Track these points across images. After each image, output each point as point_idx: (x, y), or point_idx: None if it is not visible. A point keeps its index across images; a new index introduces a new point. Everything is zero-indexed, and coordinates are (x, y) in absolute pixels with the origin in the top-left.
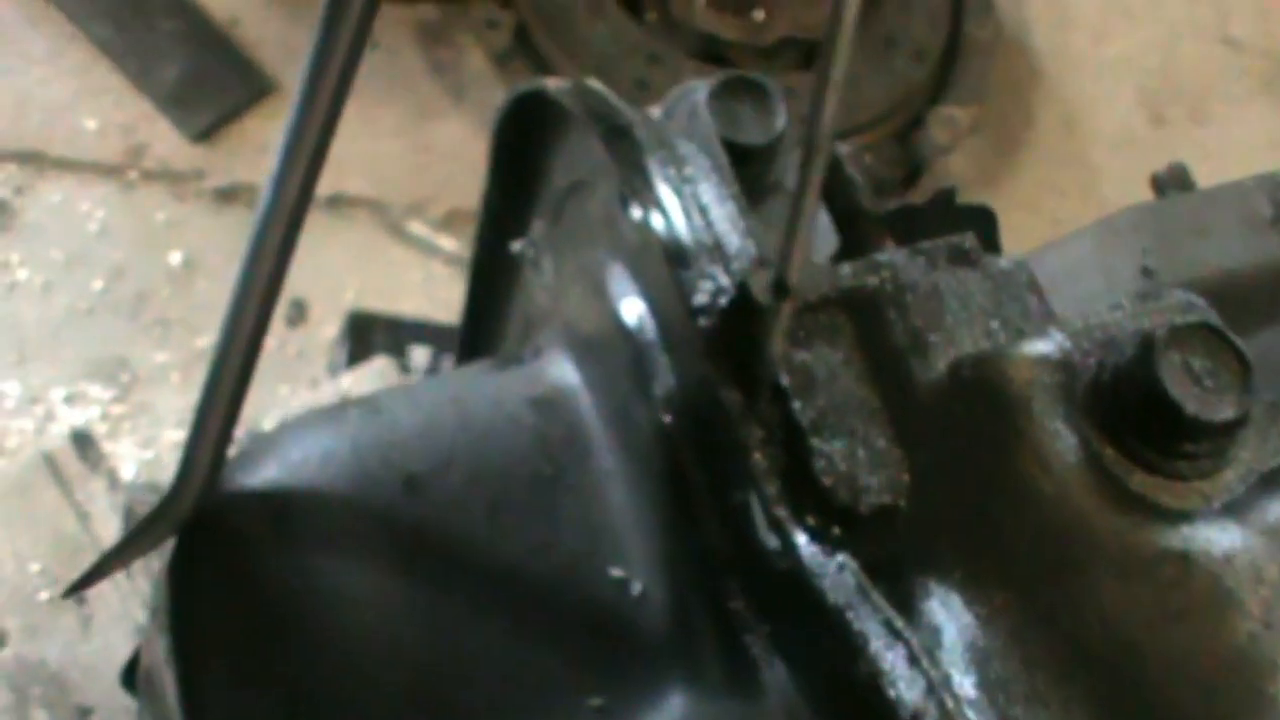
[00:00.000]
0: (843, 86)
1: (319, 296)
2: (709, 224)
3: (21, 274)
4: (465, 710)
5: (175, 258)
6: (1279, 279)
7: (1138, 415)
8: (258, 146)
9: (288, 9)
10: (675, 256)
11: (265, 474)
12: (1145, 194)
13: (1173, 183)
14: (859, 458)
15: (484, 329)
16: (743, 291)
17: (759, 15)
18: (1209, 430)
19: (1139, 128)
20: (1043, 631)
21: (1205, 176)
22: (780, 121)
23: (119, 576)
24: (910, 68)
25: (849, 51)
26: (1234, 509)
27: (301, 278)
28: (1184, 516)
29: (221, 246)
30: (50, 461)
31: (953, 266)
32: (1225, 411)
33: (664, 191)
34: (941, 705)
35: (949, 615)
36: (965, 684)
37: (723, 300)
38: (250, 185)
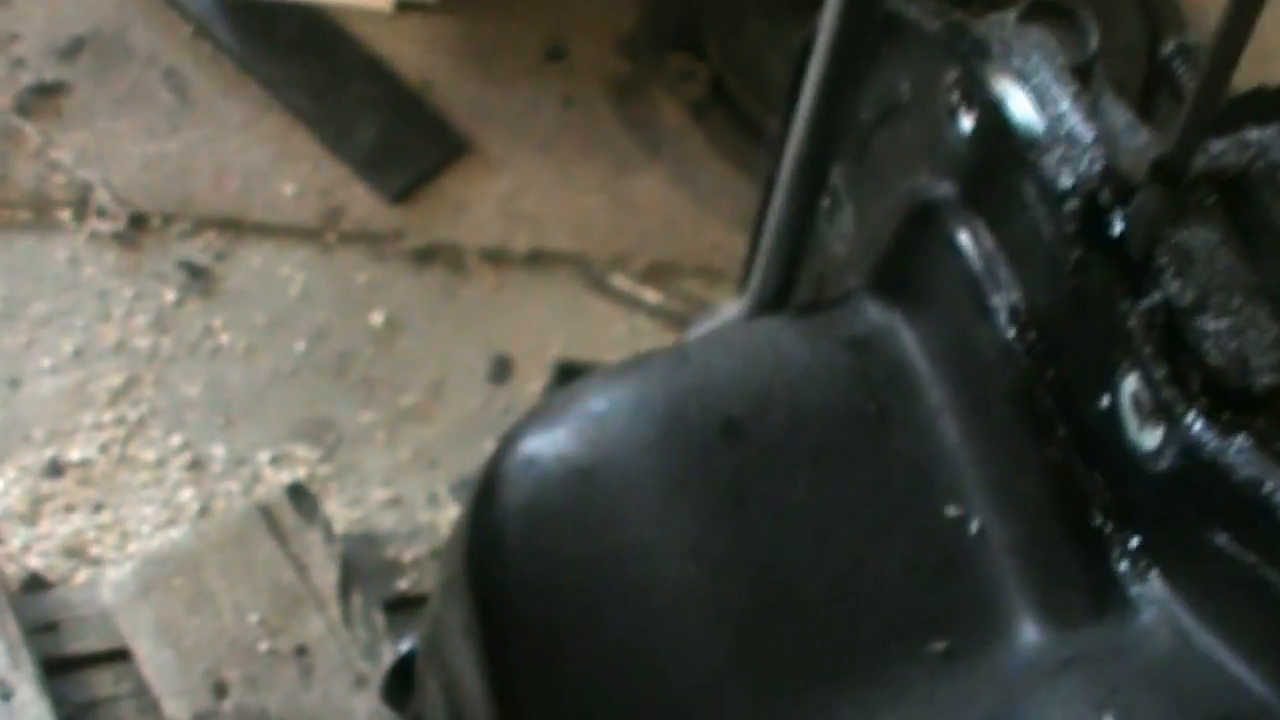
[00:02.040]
0: None
1: (523, 353)
2: (1059, 116)
3: (225, 338)
4: (796, 668)
5: (377, 318)
6: None
7: None
8: (455, 206)
9: (479, 71)
10: (1030, 145)
11: (567, 427)
12: None
13: None
14: (1248, 336)
15: (772, 286)
16: (1112, 172)
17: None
18: None
19: None
20: None
21: None
22: (1093, 42)
23: (338, 626)
24: None
25: None
26: None
27: (505, 334)
28: None
29: (422, 305)
30: (266, 513)
31: None
32: None
33: (1009, 84)
34: None
35: None
36: None
37: (1089, 183)
38: (449, 244)
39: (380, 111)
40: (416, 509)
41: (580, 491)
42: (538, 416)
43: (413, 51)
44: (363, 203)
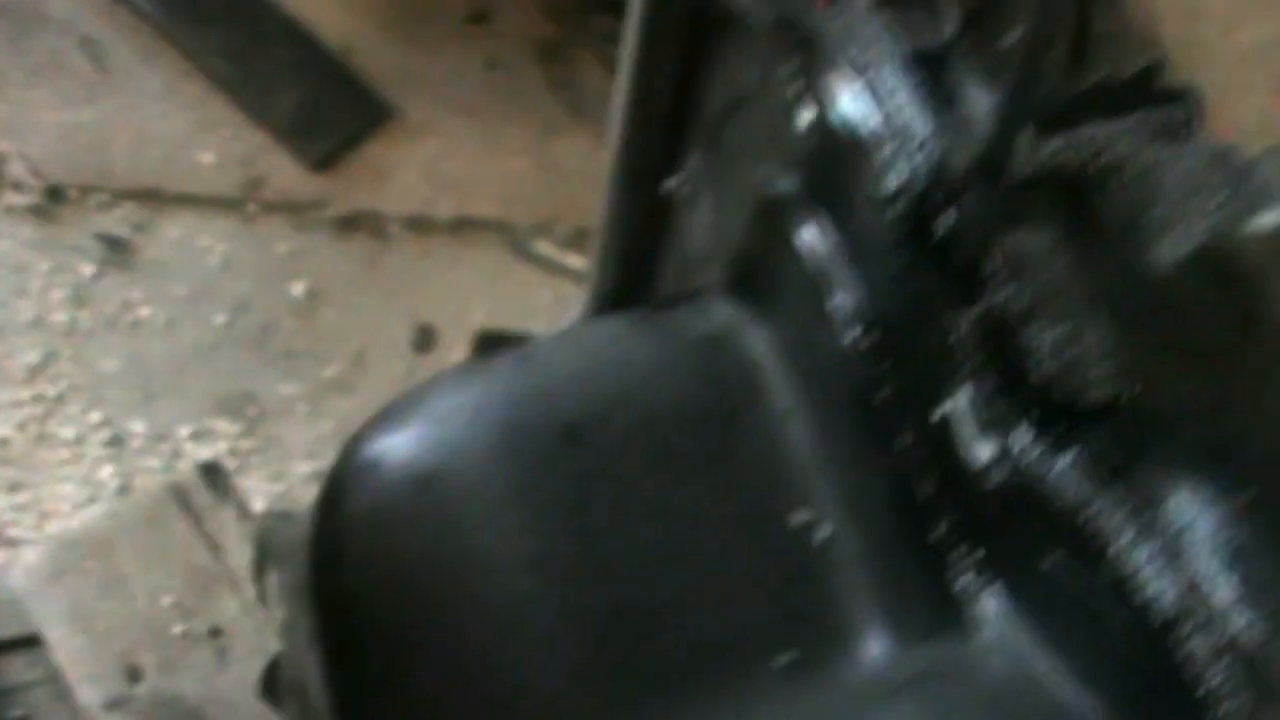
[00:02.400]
0: None
1: (446, 322)
2: (893, 110)
3: (144, 312)
4: (640, 680)
5: (299, 289)
6: None
7: None
8: (378, 173)
9: (402, 34)
10: (858, 145)
11: (409, 434)
12: None
13: None
14: (1079, 347)
15: (631, 283)
16: (939, 172)
17: None
18: None
19: (1275, 116)
20: None
21: None
22: (951, 24)
23: (253, 606)
24: None
25: None
26: None
27: (428, 303)
28: None
29: (345, 275)
30: (179, 493)
31: (1165, 139)
32: None
33: (841, 80)
34: (1200, 605)
35: (1195, 515)
36: (1223, 584)
37: (916, 185)
38: (371, 212)
39: (301, 77)
40: None
41: (421, 499)
42: (381, 420)
43: (334, 15)
44: (284, 171)
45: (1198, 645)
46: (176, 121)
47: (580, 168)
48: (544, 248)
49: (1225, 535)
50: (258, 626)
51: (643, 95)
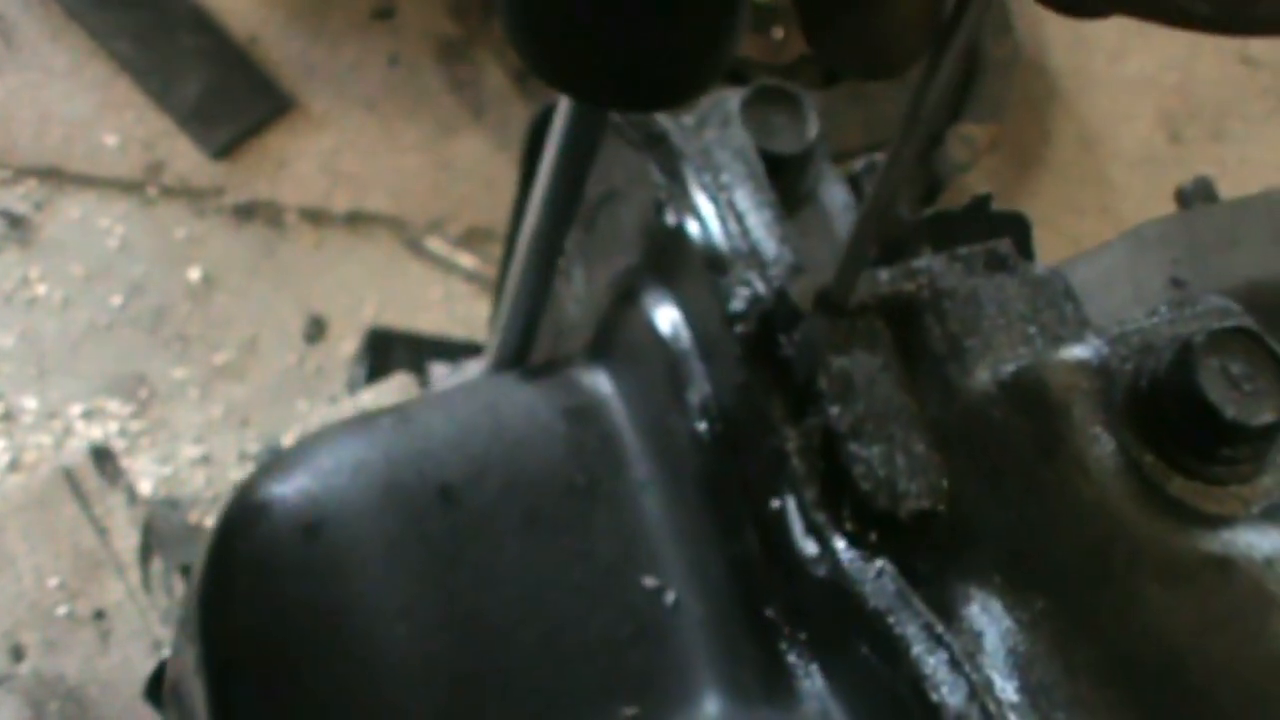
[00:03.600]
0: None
1: (338, 313)
2: (745, 230)
3: (41, 289)
4: None
5: (194, 273)
6: None
7: (1177, 420)
8: (277, 162)
9: (306, 27)
10: (711, 263)
11: (296, 483)
12: (1165, 210)
13: (1198, 196)
14: (897, 463)
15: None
16: (781, 298)
17: (778, 33)
18: (1248, 434)
19: (1158, 145)
20: (1085, 637)
21: (1225, 193)
22: (813, 130)
23: (137, 591)
24: None
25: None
26: (1273, 514)
27: (321, 294)
28: (1224, 521)
29: (241, 262)
30: (69, 476)
31: (990, 272)
32: (1264, 415)
33: (700, 198)
34: (984, 709)
35: (990, 621)
36: (1008, 688)
37: (760, 307)
38: (270, 201)
39: (206, 64)
40: (227, 467)
41: (305, 547)
42: (272, 468)
43: (241, 4)
44: (185, 156)
45: None
46: (81, 102)
47: (476, 168)
48: (436, 245)
49: (1013, 642)
50: (141, 610)
51: (563, 189)
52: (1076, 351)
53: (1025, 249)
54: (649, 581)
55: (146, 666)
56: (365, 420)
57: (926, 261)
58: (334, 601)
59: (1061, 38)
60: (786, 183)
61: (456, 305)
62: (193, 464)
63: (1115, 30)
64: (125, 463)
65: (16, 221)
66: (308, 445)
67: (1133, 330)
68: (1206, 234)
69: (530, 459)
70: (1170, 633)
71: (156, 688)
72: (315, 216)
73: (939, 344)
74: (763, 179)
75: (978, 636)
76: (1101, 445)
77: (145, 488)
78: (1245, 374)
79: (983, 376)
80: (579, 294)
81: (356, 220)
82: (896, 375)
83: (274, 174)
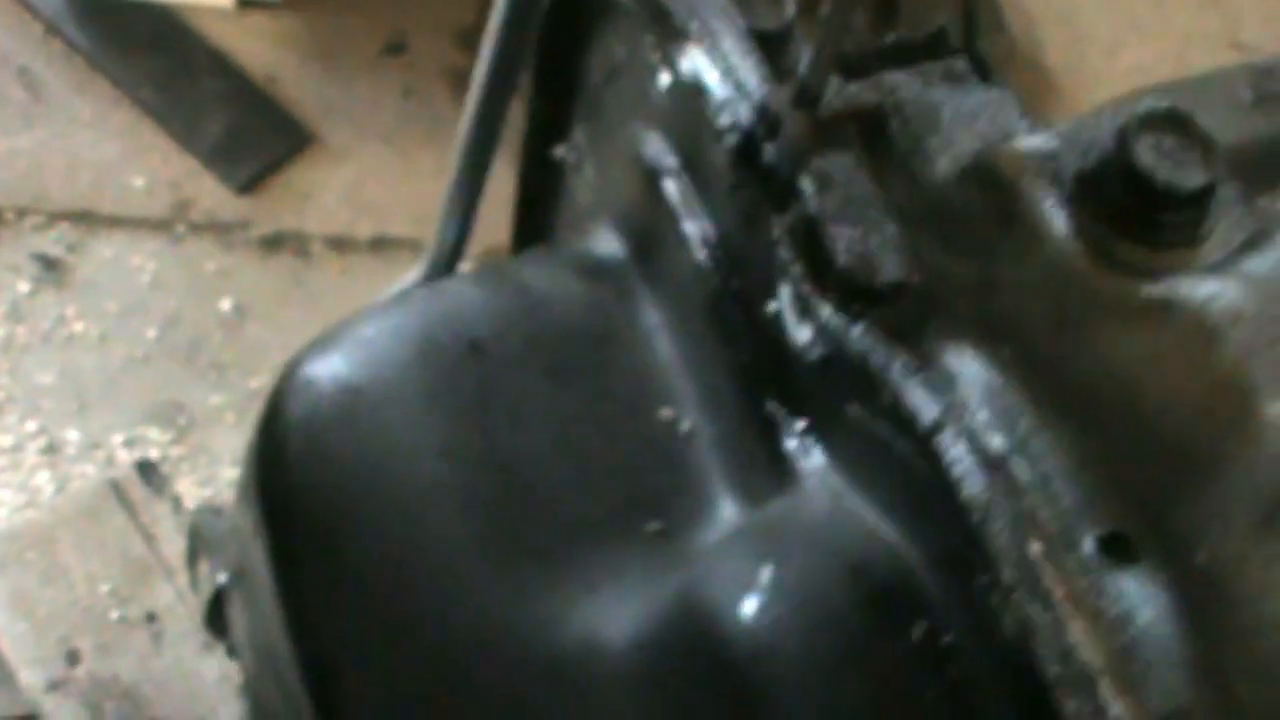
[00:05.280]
0: None
1: None
2: (731, 70)
3: (78, 327)
4: (533, 546)
5: (226, 304)
6: (1261, 153)
7: (1119, 191)
8: (301, 195)
9: (322, 65)
10: (702, 96)
11: (338, 350)
12: None
13: None
14: (872, 242)
15: (533, 232)
16: (762, 110)
17: None
18: (1180, 198)
19: None
20: (1049, 375)
21: None
22: (790, 8)
23: (186, 593)
24: None
25: None
26: (1214, 269)
27: None
28: (1168, 275)
29: (270, 292)
30: (116, 488)
31: (947, 84)
32: (1193, 180)
33: (691, 47)
34: (958, 418)
35: (963, 365)
36: (980, 411)
37: (745, 121)
38: (295, 232)
39: (227, 105)
40: None
41: (351, 404)
42: (316, 344)
43: (258, 47)
44: (211, 194)
45: (958, 453)
46: (108, 147)
47: (491, 191)
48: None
49: (985, 379)
50: (190, 612)
51: (501, 76)
52: (1029, 140)
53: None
54: (665, 413)
55: (198, 665)
56: (400, 295)
57: (891, 76)
58: (378, 448)
59: (1056, 36)
60: (771, 57)
61: None
62: (232, 485)
63: (1108, 26)
64: None
65: (51, 264)
66: (348, 320)
67: (1079, 124)
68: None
69: (551, 314)
70: (1123, 365)
71: (215, 613)
72: (340, 244)
73: (903, 142)
74: (746, 35)
75: (953, 375)
76: (1054, 216)
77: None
78: (1175, 147)
79: (943, 165)
80: (591, 183)
81: (379, 246)
82: (867, 170)
83: (298, 206)
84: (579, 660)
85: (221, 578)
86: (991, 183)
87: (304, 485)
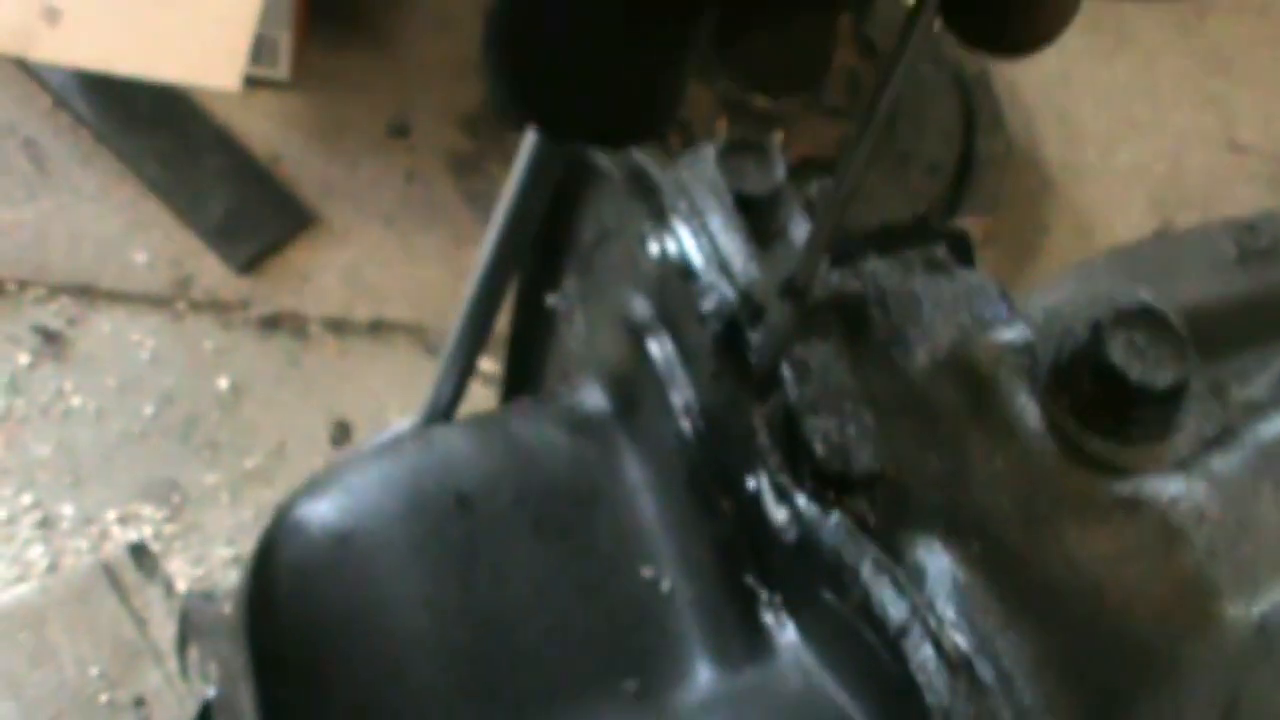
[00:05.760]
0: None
1: (363, 418)
2: (716, 249)
3: (75, 401)
4: (513, 699)
5: (223, 383)
6: (1244, 311)
7: (1091, 387)
8: (300, 276)
9: (325, 147)
10: (687, 275)
11: (329, 498)
12: None
13: None
14: (849, 432)
15: (523, 376)
16: (746, 297)
17: (778, 137)
18: (1152, 395)
19: (1151, 232)
20: (1016, 571)
21: None
22: (779, 172)
23: (175, 678)
24: (925, 182)
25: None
26: (1181, 466)
27: (345, 399)
28: (1136, 473)
29: (267, 372)
30: (108, 571)
31: (927, 273)
32: (1165, 378)
33: (678, 224)
34: (924, 621)
35: (932, 559)
36: (947, 609)
37: (730, 306)
38: (293, 313)
39: (230, 184)
40: None
41: (338, 553)
42: (306, 489)
43: (263, 126)
44: (212, 272)
45: (924, 655)
46: (111, 222)
47: None
48: None
49: (952, 575)
50: (179, 697)
51: (515, 230)
52: (1004, 333)
53: (968, 263)
54: (646, 572)
55: None
56: (391, 444)
57: (873, 264)
58: (364, 598)
59: (1053, 133)
60: (758, 221)
61: (474, 406)
62: (225, 565)
63: (1106, 124)
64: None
65: (51, 337)
66: (338, 466)
67: (1054, 316)
68: (1149, 264)
69: (539, 470)
70: (1089, 563)
71: None
72: (338, 326)
73: (882, 333)
74: (732, 210)
75: (921, 571)
76: (1026, 410)
77: (180, 588)
78: (1148, 344)
79: (921, 357)
80: (580, 334)
81: (378, 329)
82: (847, 361)
83: (297, 287)
84: None
85: (210, 691)
86: (967, 376)
87: (292, 630)
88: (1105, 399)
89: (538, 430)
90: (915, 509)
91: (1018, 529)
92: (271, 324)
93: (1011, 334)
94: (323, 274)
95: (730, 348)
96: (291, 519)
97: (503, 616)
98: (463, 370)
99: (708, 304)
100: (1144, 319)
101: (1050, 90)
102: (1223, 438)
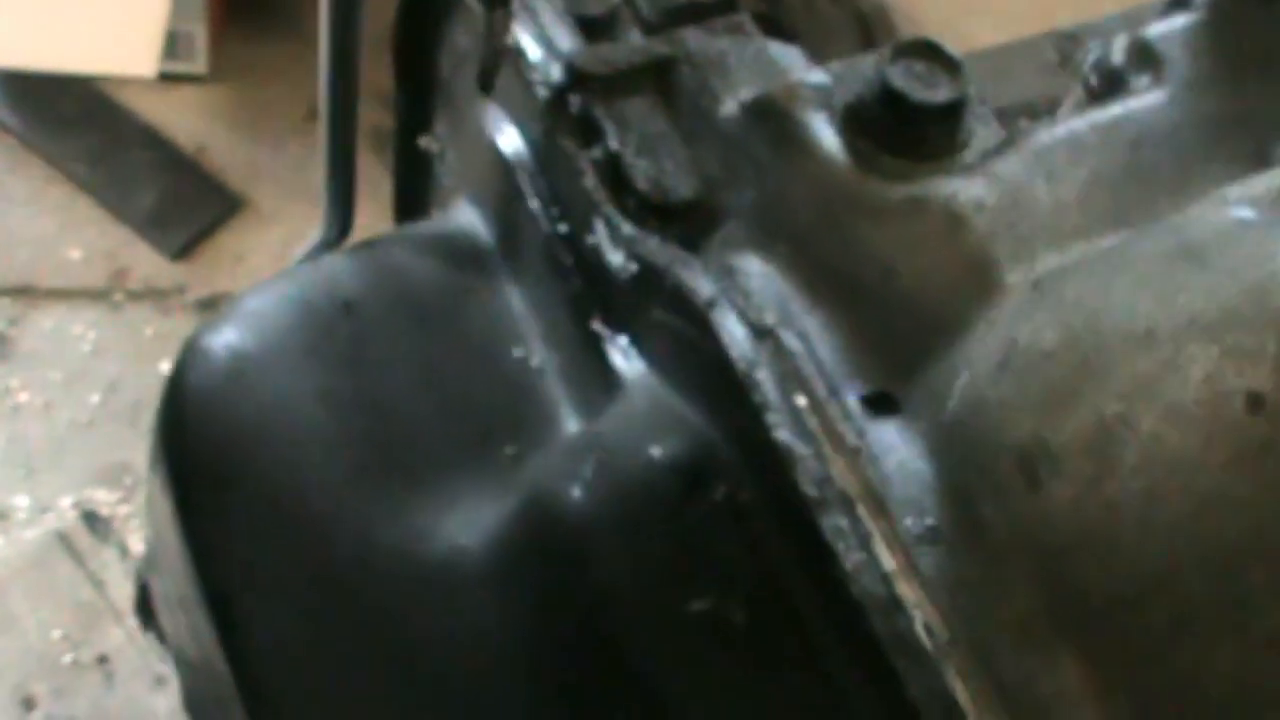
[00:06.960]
0: None
1: None
2: (550, 40)
3: (23, 397)
4: (403, 473)
5: (166, 367)
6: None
7: (879, 111)
8: (234, 258)
9: (248, 134)
10: (525, 64)
11: (228, 321)
12: None
13: None
14: (666, 169)
15: (409, 217)
16: (569, 66)
17: None
18: (931, 112)
19: None
20: (818, 267)
21: None
22: None
23: (136, 634)
24: None
25: None
26: (962, 170)
27: None
28: (924, 178)
29: None
30: (63, 538)
31: (733, 37)
32: (940, 96)
33: (519, 31)
34: (730, 297)
35: (742, 261)
36: (753, 295)
37: (556, 78)
38: (229, 294)
39: (158, 176)
40: None
41: (239, 366)
42: (210, 321)
43: (186, 119)
44: (146, 261)
45: (730, 324)
46: (44, 223)
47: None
48: None
49: (762, 272)
50: (141, 651)
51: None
52: (803, 76)
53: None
54: (517, 353)
55: (151, 701)
56: (286, 271)
57: (681, 33)
58: (265, 399)
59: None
60: (593, 37)
61: None
62: None
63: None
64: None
65: None
66: (237, 296)
67: (850, 65)
68: (983, 70)
69: (416, 273)
70: (883, 252)
71: (143, 604)
72: None
73: (693, 85)
74: (564, 15)
75: (731, 268)
76: (824, 136)
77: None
78: (926, 70)
79: (729, 104)
80: (452, 166)
81: None
82: (663, 112)
83: (231, 269)
84: (445, 566)
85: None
86: (769, 111)
87: (201, 439)
88: (892, 120)
89: (414, 243)
90: (728, 229)
91: (818, 232)
92: (209, 306)
93: (810, 76)
94: (255, 254)
95: (558, 110)
96: (195, 346)
97: (391, 401)
98: (343, 196)
99: (537, 76)
100: (921, 49)
101: (953, 20)
102: (1001, 147)
